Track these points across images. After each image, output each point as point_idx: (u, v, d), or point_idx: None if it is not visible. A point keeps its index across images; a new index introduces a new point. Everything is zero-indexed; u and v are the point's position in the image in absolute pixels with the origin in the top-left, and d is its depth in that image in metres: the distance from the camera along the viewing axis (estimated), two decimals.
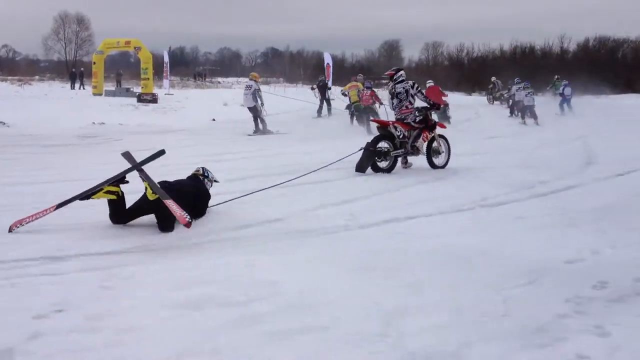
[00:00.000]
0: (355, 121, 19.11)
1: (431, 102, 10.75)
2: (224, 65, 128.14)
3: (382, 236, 6.28)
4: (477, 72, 57.73)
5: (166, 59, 40.52)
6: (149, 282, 4.74)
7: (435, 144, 10.66)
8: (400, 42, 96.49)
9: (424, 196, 8.36)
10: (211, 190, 7.28)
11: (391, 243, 6.01)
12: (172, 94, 35.88)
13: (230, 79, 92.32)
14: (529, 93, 23.78)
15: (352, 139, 14.12)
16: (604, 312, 4.29)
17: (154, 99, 29.18)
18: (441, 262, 5.38)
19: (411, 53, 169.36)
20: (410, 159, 10.89)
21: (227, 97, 33.21)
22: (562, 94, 27.49)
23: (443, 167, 10.70)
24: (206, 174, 7.37)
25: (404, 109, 10.45)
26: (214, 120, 22.16)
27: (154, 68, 35.48)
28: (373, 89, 19.46)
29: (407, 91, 10.43)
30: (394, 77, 10.63)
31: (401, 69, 11.04)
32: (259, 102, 18.00)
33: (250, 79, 18.96)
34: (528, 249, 5.83)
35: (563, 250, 5.75)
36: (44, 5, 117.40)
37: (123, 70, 49.41)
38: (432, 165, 10.62)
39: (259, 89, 18.26)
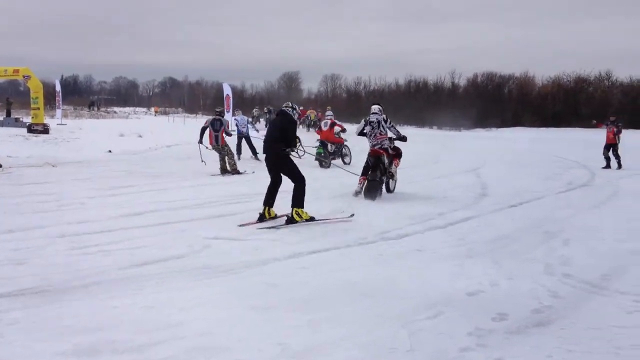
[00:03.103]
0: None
1: (401, 135, 11.86)
2: (120, 94, 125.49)
3: (285, 272, 6.18)
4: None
5: (58, 87, 39.12)
6: (37, 329, 4.40)
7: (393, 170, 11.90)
8: (299, 74, 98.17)
9: (326, 229, 8.34)
10: (109, 227, 6.98)
11: (295, 279, 5.92)
12: (65, 124, 34.59)
13: (127, 109, 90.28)
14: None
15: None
16: (503, 344, 4.38)
17: (45, 130, 27.91)
18: (346, 298, 5.33)
19: (310, 85, 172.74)
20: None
21: (124, 127, 32.32)
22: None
23: (392, 191, 11.86)
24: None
25: (379, 135, 11.54)
26: (109, 151, 21.40)
27: (46, 97, 34.01)
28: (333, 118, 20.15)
29: (379, 122, 11.56)
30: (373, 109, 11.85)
31: (378, 104, 12.16)
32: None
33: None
34: (431, 281, 5.90)
35: (464, 282, 5.87)
36: None
37: (13, 99, 47.08)
38: (388, 190, 11.76)
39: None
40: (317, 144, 18.02)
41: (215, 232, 7.95)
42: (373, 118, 11.64)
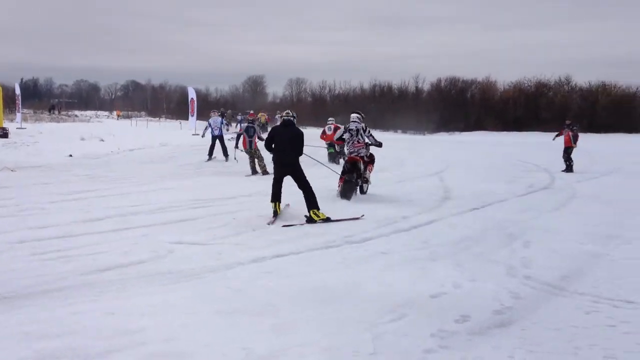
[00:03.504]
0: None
1: (377, 142, 12.34)
2: (82, 98, 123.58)
3: (249, 276, 6.15)
4: (340, 109, 59.43)
5: (17, 91, 38.36)
6: None
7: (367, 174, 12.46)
8: (264, 77, 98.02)
9: (290, 234, 8.33)
10: (70, 232, 6.86)
11: (259, 283, 5.90)
12: (25, 128, 33.94)
13: (89, 112, 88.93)
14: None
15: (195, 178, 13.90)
16: (466, 345, 4.43)
17: (4, 134, 27.36)
18: (310, 301, 5.33)
19: (275, 89, 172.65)
20: None
21: (85, 131, 31.85)
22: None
23: (365, 193, 12.28)
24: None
25: (357, 143, 12.10)
26: (70, 156, 21.04)
27: (5, 100, 33.32)
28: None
29: (358, 130, 12.10)
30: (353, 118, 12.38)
31: (358, 112, 12.63)
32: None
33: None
34: (394, 284, 5.94)
35: (427, 285, 5.92)
36: None
37: None
38: (362, 192, 12.25)
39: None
40: (326, 145, 20.70)
41: (178, 237, 7.88)
42: (352, 126, 12.23)
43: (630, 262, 7.10)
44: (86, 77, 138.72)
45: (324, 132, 21.20)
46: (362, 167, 12.01)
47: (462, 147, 33.82)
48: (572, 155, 19.06)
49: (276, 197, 9.62)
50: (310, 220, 9.26)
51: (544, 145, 32.82)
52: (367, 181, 12.38)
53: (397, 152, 25.01)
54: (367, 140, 12.22)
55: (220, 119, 21.97)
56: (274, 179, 9.75)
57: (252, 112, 25.99)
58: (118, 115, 78.93)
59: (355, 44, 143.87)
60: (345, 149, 12.53)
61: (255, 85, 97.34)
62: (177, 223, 8.95)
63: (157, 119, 75.40)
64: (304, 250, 7.32)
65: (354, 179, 11.79)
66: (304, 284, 5.89)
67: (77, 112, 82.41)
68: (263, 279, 6.07)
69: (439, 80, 63.97)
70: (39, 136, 28.51)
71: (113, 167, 17.83)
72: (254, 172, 17.04)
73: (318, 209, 9.39)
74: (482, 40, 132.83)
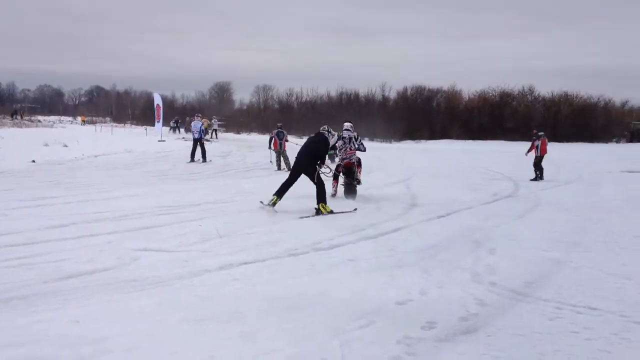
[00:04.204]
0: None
1: (364, 148, 13.78)
2: (45, 103, 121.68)
3: (216, 283, 6.11)
4: (307, 117, 59.44)
5: None
6: None
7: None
8: (231, 84, 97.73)
9: (257, 241, 8.29)
10: (33, 239, 6.73)
11: (226, 290, 5.86)
12: None
13: (52, 118, 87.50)
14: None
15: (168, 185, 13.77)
16: (432, 352, 4.47)
17: None
18: (277, 309, 5.32)
19: (242, 95, 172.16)
20: None
21: (48, 137, 31.31)
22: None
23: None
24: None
25: (349, 150, 13.34)
26: (33, 161, 20.67)
27: None
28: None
29: (350, 139, 13.33)
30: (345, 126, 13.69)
31: (349, 121, 13.98)
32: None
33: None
34: (362, 291, 5.96)
35: (394, 292, 5.95)
36: None
37: None
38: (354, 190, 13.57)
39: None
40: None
41: (144, 244, 7.79)
42: (345, 134, 13.43)
43: (592, 269, 7.23)
44: (50, 82, 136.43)
45: None
46: (355, 170, 13.24)
47: (428, 155, 34.15)
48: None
49: (280, 193, 10.90)
50: (318, 212, 10.74)
51: (507, 154, 33.35)
52: (359, 182, 13.44)
53: (364, 160, 25.06)
54: (358, 147, 13.43)
55: (200, 123, 23.76)
56: (288, 177, 11.23)
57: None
58: (83, 121, 77.71)
59: (319, 52, 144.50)
60: (337, 155, 13.72)
61: (222, 91, 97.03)
62: (143, 230, 8.86)
63: (122, 125, 74.56)
64: (271, 258, 7.29)
65: (352, 181, 13.14)
66: (271, 291, 5.87)
67: (40, 118, 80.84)
68: (230, 286, 6.03)
69: (405, 89, 64.40)
70: (0, 142, 27.92)
71: (77, 174, 17.58)
72: (279, 167, 20.82)
73: (325, 203, 10.88)
74: (443, 51, 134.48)
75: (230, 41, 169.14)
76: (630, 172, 23.26)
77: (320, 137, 11.57)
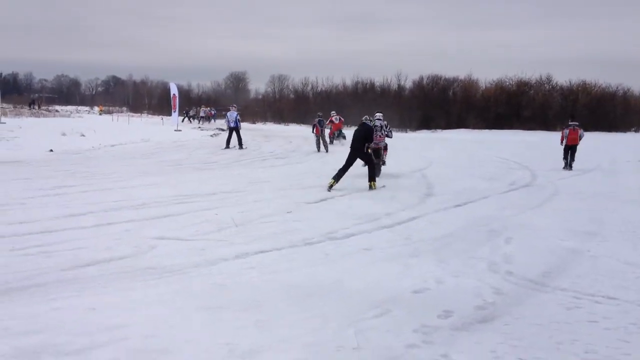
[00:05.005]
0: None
1: (391, 135, 15.84)
2: (62, 93, 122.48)
3: (232, 272, 6.13)
4: (322, 107, 59.36)
5: None
6: None
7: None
8: (246, 74, 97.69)
9: (273, 229, 8.32)
10: (50, 228, 6.78)
11: (242, 279, 5.89)
12: (4, 123, 33.48)
13: (69, 107, 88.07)
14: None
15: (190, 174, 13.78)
16: (449, 340, 4.45)
17: None
18: (293, 297, 5.33)
19: (258, 85, 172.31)
20: None
21: (66, 126, 31.53)
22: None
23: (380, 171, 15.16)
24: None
25: (379, 137, 15.16)
26: (51, 151, 20.83)
27: None
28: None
29: (382, 127, 15.32)
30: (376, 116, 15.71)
31: (380, 112, 16.02)
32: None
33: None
34: (378, 280, 5.96)
35: (410, 281, 5.94)
36: None
37: None
38: (384, 164, 15.77)
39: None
40: (337, 132, 29.80)
41: (161, 233, 7.84)
42: (378, 123, 15.36)
43: (610, 258, 7.17)
44: (67, 72, 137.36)
45: (331, 122, 29.29)
46: (382, 153, 15.37)
47: (444, 144, 33.96)
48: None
49: (337, 177, 12.59)
50: (370, 188, 12.79)
51: (524, 144, 33.11)
52: (384, 163, 15.78)
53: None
54: (387, 134, 15.52)
55: (235, 113, 25.08)
56: (345, 162, 12.91)
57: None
58: (100, 111, 78.12)
59: (332, 41, 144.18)
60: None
61: (238, 81, 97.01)
62: (159, 219, 8.90)
63: (139, 114, 74.87)
64: (287, 247, 7.31)
65: (378, 162, 14.98)
66: (287, 280, 5.88)
67: (57, 107, 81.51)
68: (246, 274, 6.06)
69: (421, 78, 63.99)
70: (18, 131, 28.13)
71: (94, 163, 17.68)
72: (319, 149, 24.70)
73: (375, 180, 13.01)
74: (459, 39, 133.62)
75: (246, 31, 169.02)
76: None
77: (364, 125, 13.37)
